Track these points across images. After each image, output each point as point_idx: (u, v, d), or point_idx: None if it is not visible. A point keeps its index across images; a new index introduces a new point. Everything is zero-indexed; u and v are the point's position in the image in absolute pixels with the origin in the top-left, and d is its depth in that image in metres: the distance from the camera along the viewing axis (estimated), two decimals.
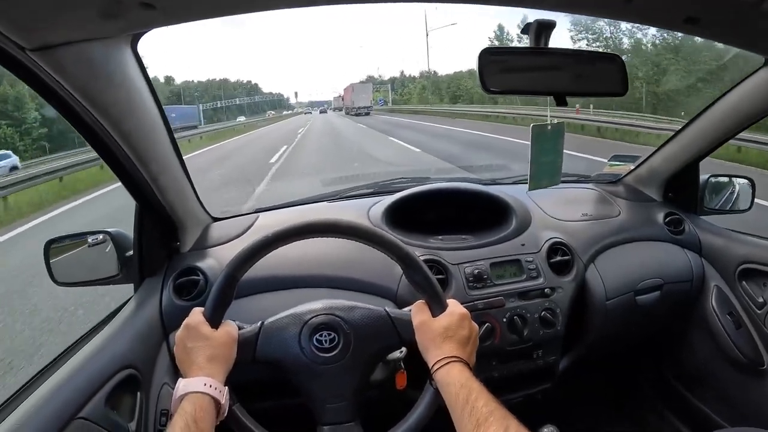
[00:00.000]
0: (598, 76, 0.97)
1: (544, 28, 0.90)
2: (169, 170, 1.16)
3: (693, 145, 1.57)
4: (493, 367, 1.30)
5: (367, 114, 42.80)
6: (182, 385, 0.80)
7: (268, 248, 0.92)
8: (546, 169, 1.26)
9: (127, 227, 1.24)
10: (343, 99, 59.55)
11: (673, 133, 1.65)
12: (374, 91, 57.42)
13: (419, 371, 1.02)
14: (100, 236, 1.23)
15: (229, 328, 0.90)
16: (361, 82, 51.50)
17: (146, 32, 0.83)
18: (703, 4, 0.78)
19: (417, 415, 0.93)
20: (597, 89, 1.00)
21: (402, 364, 1.05)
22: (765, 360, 1.43)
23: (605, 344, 1.55)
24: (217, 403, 0.80)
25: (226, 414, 0.84)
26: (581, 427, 1.80)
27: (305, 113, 71.34)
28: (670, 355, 1.76)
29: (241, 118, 56.36)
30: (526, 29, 0.91)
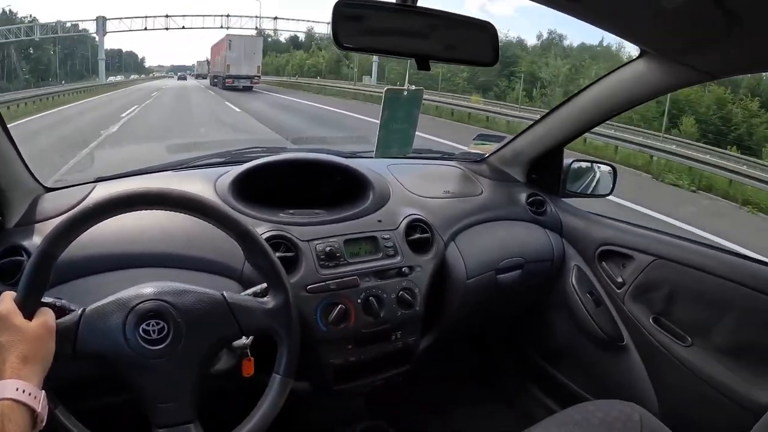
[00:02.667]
0: (469, 43, 0.92)
1: None
2: None
3: (559, 129, 1.60)
4: (349, 351, 1.23)
5: (249, 88, 28.17)
6: None
7: (89, 221, 0.83)
8: (397, 138, 1.20)
9: None
10: (209, 62, 39.92)
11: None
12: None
13: (267, 356, 0.95)
14: None
15: (46, 317, 0.78)
16: (248, 36, 32.30)
17: None
18: None
19: (263, 411, 0.87)
20: (465, 57, 0.95)
21: (248, 351, 0.96)
22: (625, 337, 1.50)
23: (467, 323, 1.56)
24: (32, 411, 0.70)
25: (44, 423, 0.72)
26: (445, 407, 1.82)
27: (168, 78, 59.34)
28: (533, 332, 1.82)
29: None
30: None
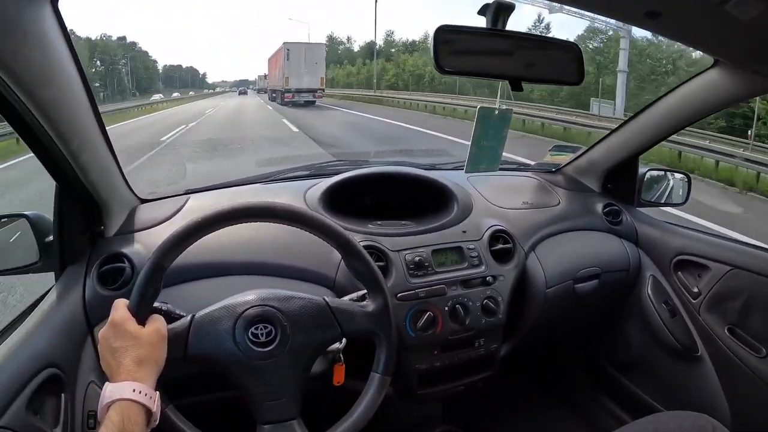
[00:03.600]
0: (555, 63, 0.97)
1: (503, 10, 0.88)
2: (92, 146, 1.04)
3: (634, 139, 1.59)
4: (435, 356, 1.27)
5: (312, 102, 25.58)
6: (108, 391, 0.73)
7: (198, 234, 0.87)
8: (486, 154, 1.23)
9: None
10: (267, 76, 37.59)
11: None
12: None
13: (360, 362, 1.00)
14: (17, 220, 1.11)
15: (158, 324, 0.83)
16: (307, 43, 28.89)
17: None
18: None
19: (363, 407, 0.90)
20: (552, 76, 0.99)
21: (341, 356, 1.01)
22: (699, 347, 1.48)
23: (544, 331, 1.56)
24: (147, 410, 0.74)
25: (158, 422, 0.77)
26: (520, 412, 1.84)
27: (239, 93, 55.20)
28: (606, 342, 1.80)
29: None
30: (483, 10, 0.88)
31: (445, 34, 0.85)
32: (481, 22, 0.89)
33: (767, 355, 1.30)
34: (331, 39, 56.24)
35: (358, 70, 44.70)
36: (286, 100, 25.53)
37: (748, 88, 1.22)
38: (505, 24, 0.88)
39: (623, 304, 1.66)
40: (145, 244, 1.17)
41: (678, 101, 1.42)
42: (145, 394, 0.74)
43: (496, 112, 1.18)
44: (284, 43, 27.37)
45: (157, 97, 39.02)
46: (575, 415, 1.86)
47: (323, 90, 26.68)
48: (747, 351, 1.34)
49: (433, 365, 1.27)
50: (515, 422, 1.81)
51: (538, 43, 0.94)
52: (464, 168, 1.24)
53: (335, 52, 54.10)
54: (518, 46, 0.91)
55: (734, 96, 1.28)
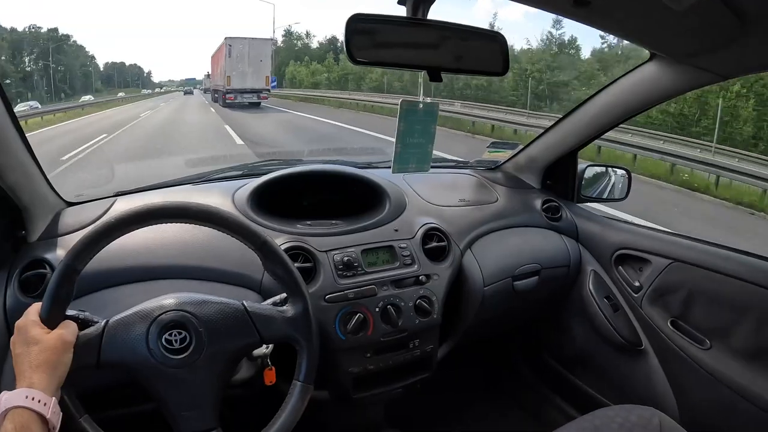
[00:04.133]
0: (479, 54, 0.94)
1: None
2: (9, 150, 1.01)
3: (572, 134, 1.60)
4: (368, 359, 1.25)
5: (257, 104, 23.06)
6: (4, 399, 0.70)
7: (112, 235, 0.84)
8: (414, 152, 1.19)
9: None
10: (210, 74, 33.66)
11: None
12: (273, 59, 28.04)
13: (288, 364, 0.96)
14: None
15: (65, 330, 0.78)
16: (251, 38, 25.02)
17: None
18: None
19: (285, 417, 0.88)
20: (476, 67, 0.97)
21: (269, 360, 0.98)
22: (643, 341, 1.50)
23: (484, 330, 1.56)
24: (43, 418, 0.70)
25: (56, 429, 0.73)
26: (463, 415, 1.82)
27: (185, 93, 51.18)
28: (550, 338, 1.81)
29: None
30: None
31: (359, 23, 0.81)
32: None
33: (711, 347, 1.31)
34: (289, 34, 52.96)
35: (329, 67, 40.48)
36: (227, 101, 22.74)
37: (686, 81, 1.23)
38: (425, 13, 0.84)
39: (565, 299, 1.67)
40: (67, 249, 1.10)
41: (615, 96, 1.43)
42: (38, 401, 0.70)
43: (420, 105, 1.14)
44: (226, 38, 24.46)
45: (87, 98, 34.39)
46: (522, 411, 1.87)
47: (269, 90, 24.32)
48: (691, 343, 1.35)
49: (367, 368, 1.25)
50: (461, 421, 1.80)
51: (460, 33, 0.90)
52: (391, 168, 1.20)
53: (292, 48, 51.39)
54: (439, 36, 0.88)
55: (672, 90, 1.29)
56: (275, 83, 30.85)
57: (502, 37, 0.93)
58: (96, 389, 0.84)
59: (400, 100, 1.11)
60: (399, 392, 1.34)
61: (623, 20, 0.92)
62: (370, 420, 1.58)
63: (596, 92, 1.48)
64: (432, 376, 1.37)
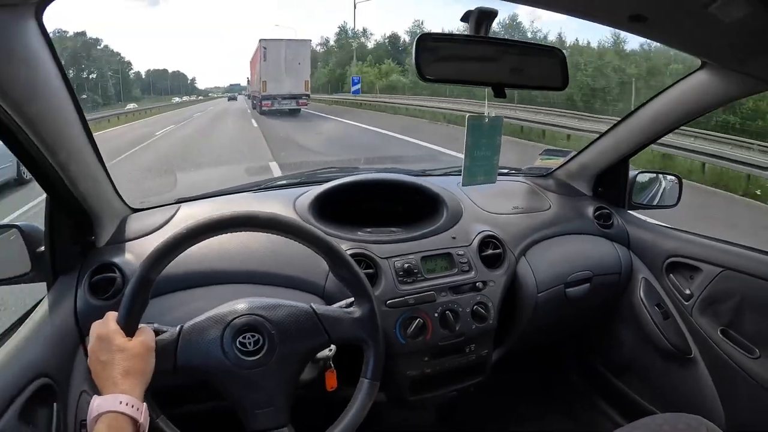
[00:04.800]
0: (538, 69, 0.97)
1: (485, 17, 0.88)
2: (81, 158, 1.05)
3: (624, 142, 1.60)
4: (425, 363, 1.28)
5: (297, 111, 21.43)
6: (96, 404, 0.74)
7: (184, 245, 0.88)
8: (481, 164, 1.22)
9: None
10: (249, 81, 31.34)
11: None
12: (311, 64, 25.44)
13: (350, 368, 1.01)
14: (9, 230, 1.12)
15: (145, 336, 0.83)
16: (288, 40, 23.12)
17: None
18: (651, 3, 0.76)
19: (353, 413, 0.91)
20: (536, 82, 1.00)
21: (332, 363, 1.01)
22: (692, 349, 1.49)
23: (536, 336, 1.56)
24: (135, 422, 0.75)
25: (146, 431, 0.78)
26: (515, 418, 1.83)
27: (229, 99, 50.49)
28: (599, 346, 1.80)
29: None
30: (466, 17, 0.89)
31: (427, 42, 0.86)
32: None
33: (760, 356, 1.30)
34: (344, 32, 48.54)
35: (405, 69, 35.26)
36: (263, 108, 21.33)
37: (736, 89, 1.23)
38: (488, 30, 0.88)
39: (616, 307, 1.67)
40: (135, 254, 1.18)
41: (667, 103, 1.43)
42: (132, 406, 0.74)
43: (486, 120, 1.17)
44: (260, 41, 22.60)
45: (131, 106, 33.15)
46: (569, 418, 1.87)
47: (308, 96, 22.47)
48: (740, 352, 1.34)
49: (424, 372, 1.27)
50: (509, 426, 1.81)
51: (521, 49, 0.94)
52: (461, 181, 1.23)
53: (348, 48, 46.51)
54: (501, 52, 0.92)
55: (723, 97, 1.28)
56: (358, 86, 29.06)
57: (561, 52, 0.97)
58: (167, 389, 0.87)
59: (467, 116, 1.15)
60: (453, 395, 1.36)
61: (675, 32, 0.93)
62: (422, 422, 1.61)
63: (648, 99, 1.48)
64: (485, 381, 1.39)
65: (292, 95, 21.53)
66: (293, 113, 21.16)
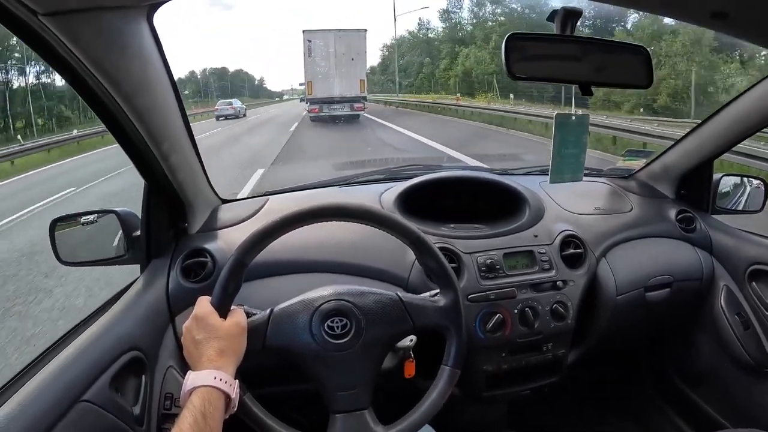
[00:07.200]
0: (623, 67, 0.97)
1: (571, 16, 0.90)
2: (181, 149, 1.14)
3: (709, 142, 1.55)
4: (503, 359, 1.30)
5: (356, 117, 17.93)
6: (191, 379, 0.79)
7: (277, 233, 0.92)
8: (568, 163, 1.23)
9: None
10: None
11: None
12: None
13: (428, 360, 1.04)
14: (108, 215, 1.22)
15: (238, 317, 0.88)
16: (338, 30, 18.58)
17: (164, 3, 0.81)
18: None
19: (433, 398, 0.93)
20: (621, 80, 1.00)
21: (411, 352, 1.04)
22: None
23: (613, 340, 1.55)
24: (227, 397, 0.79)
25: (236, 408, 0.83)
26: (584, 421, 1.82)
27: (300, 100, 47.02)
28: (675, 353, 1.75)
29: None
30: (552, 16, 0.90)
31: (516, 41, 0.88)
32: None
33: None
34: (447, 13, 41.86)
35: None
36: (311, 114, 17.79)
37: None
38: (573, 29, 0.89)
39: (695, 314, 1.62)
40: (226, 242, 1.26)
41: (753, 102, 1.38)
42: (225, 382, 0.79)
43: (573, 117, 1.19)
44: (304, 32, 18.08)
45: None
46: (639, 425, 1.83)
47: (365, 98, 18.44)
48: None
49: (501, 367, 1.29)
50: (578, 427, 1.79)
51: (606, 47, 0.95)
52: (549, 179, 1.25)
53: (419, 38, 41.39)
54: (587, 50, 0.93)
55: None
56: None
57: (645, 50, 0.96)
58: (252, 369, 0.91)
59: (555, 113, 1.17)
60: (526, 394, 1.37)
61: (760, 29, 0.92)
62: (492, 418, 1.62)
63: (733, 98, 1.43)
64: (560, 381, 1.39)
65: (343, 98, 17.80)
66: (351, 120, 17.69)
